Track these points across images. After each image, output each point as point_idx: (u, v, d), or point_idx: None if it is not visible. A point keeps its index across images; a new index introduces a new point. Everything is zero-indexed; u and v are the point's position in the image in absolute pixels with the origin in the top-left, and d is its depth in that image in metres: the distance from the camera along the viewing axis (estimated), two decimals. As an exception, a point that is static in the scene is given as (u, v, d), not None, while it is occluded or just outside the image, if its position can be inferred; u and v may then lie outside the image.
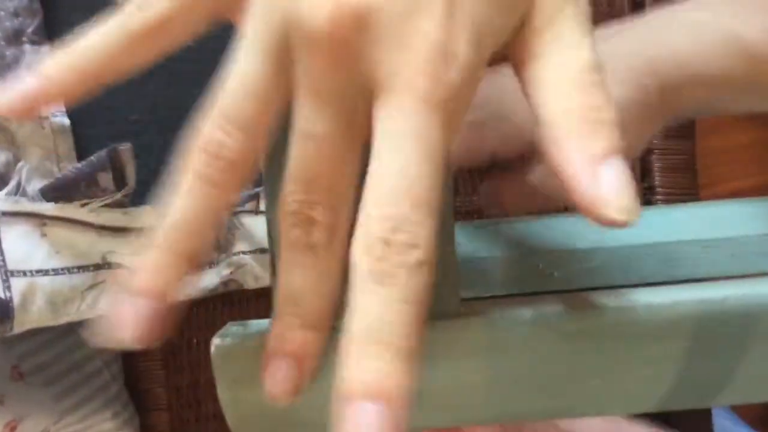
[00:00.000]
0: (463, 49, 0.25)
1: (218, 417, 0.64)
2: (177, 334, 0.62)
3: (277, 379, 0.28)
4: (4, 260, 0.47)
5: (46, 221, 0.48)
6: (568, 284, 0.52)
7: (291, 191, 0.27)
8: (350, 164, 0.26)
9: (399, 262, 0.24)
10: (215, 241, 0.29)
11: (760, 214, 0.49)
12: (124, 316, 0.27)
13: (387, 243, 0.24)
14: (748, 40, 0.42)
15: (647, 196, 0.64)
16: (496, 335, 0.30)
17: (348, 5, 0.25)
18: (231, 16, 0.29)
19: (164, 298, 0.27)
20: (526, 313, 0.31)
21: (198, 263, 0.27)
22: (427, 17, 0.25)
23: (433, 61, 0.25)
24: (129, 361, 0.63)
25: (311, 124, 0.26)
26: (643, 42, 0.45)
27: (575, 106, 0.26)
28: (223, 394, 0.31)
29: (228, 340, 0.30)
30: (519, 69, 0.28)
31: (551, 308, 0.31)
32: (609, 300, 0.31)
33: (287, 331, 0.28)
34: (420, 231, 0.25)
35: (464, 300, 0.32)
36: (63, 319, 0.50)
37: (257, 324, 0.32)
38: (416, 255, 0.25)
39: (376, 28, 0.25)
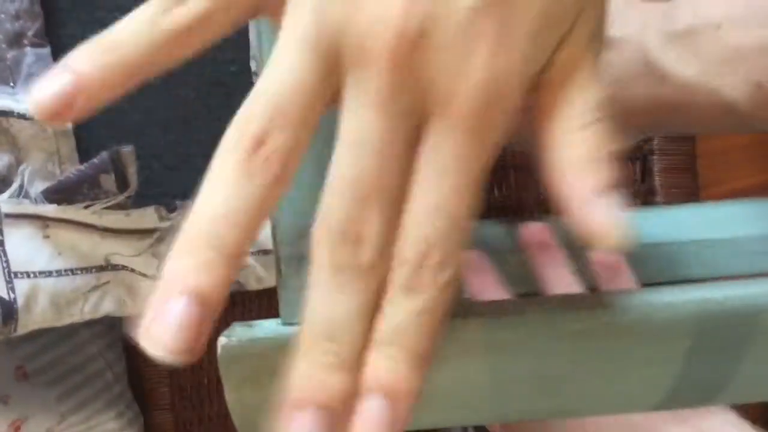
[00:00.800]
0: (514, 78, 0.26)
1: (222, 417, 0.64)
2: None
3: None
4: (7, 262, 0.47)
5: (49, 223, 0.48)
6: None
7: (339, 205, 0.26)
8: (401, 179, 0.26)
9: (431, 281, 0.25)
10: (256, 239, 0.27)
11: (760, 214, 0.50)
12: (171, 322, 0.24)
13: (422, 262, 0.25)
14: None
15: (648, 196, 0.64)
16: (497, 335, 0.31)
17: (414, 24, 0.25)
18: (270, 12, 0.29)
19: (214, 300, 0.24)
20: (526, 312, 0.31)
21: (242, 262, 0.25)
22: (483, 40, 0.25)
23: (486, 90, 0.25)
24: (132, 362, 0.64)
25: (367, 134, 0.26)
26: None
27: (579, 146, 0.27)
28: (230, 394, 0.31)
29: (234, 341, 0.31)
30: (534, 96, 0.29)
31: (552, 308, 0.31)
32: (609, 300, 0.31)
33: (321, 373, 0.25)
34: (453, 252, 0.25)
35: (465, 299, 0.32)
36: (66, 320, 0.50)
37: (263, 324, 0.32)
38: (448, 275, 0.25)
39: (435, 48, 0.25)
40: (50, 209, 0.48)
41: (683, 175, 0.64)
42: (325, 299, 0.25)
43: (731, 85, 0.42)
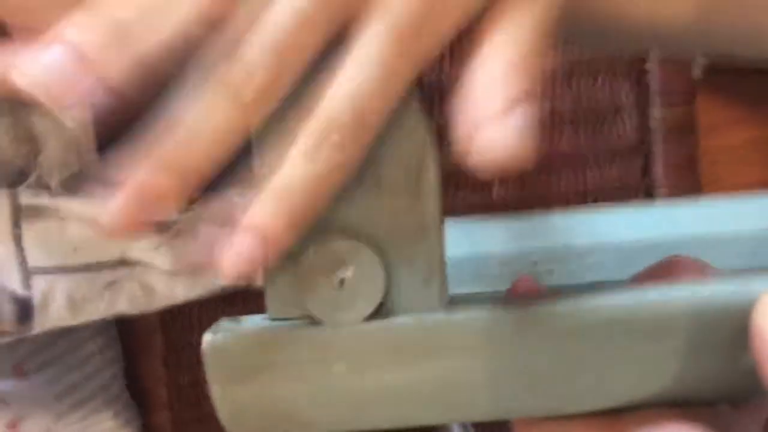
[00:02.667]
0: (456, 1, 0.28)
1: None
2: (177, 334, 0.62)
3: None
4: (24, 258, 0.46)
5: (67, 216, 0.47)
6: (566, 281, 0.52)
7: (249, 46, 0.28)
8: (313, 45, 0.28)
9: (327, 156, 0.28)
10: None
11: (761, 210, 0.49)
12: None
13: (324, 137, 0.28)
14: None
15: (648, 194, 0.64)
16: (486, 333, 0.31)
17: None
18: None
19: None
20: (519, 309, 0.31)
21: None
22: None
23: (427, 3, 0.28)
24: (130, 360, 0.64)
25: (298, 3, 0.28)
26: None
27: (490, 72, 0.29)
28: (215, 390, 0.31)
29: (220, 336, 0.31)
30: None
31: (542, 305, 0.31)
32: (600, 296, 0.31)
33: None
34: (354, 140, 0.28)
35: (459, 296, 0.32)
36: (82, 319, 0.49)
37: (249, 320, 0.32)
38: (343, 157, 0.28)
39: None
40: (68, 202, 0.47)
41: (684, 173, 0.64)
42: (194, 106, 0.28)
43: None
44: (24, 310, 0.45)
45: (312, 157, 0.28)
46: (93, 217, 0.48)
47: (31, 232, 0.45)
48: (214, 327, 0.31)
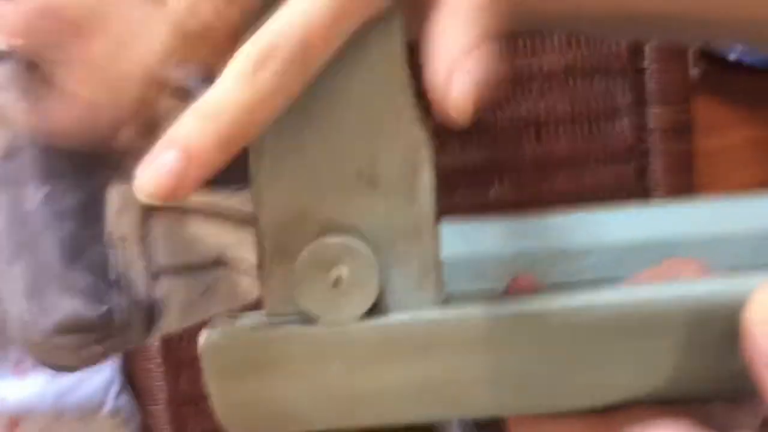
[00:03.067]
0: None
1: (217, 414, 0.64)
2: (176, 333, 0.62)
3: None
4: (150, 258, 0.43)
5: (186, 213, 0.45)
6: (561, 282, 0.53)
7: None
8: None
9: (264, 80, 0.28)
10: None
11: (758, 210, 0.50)
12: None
13: (262, 63, 0.27)
14: None
15: (644, 195, 0.64)
16: (480, 331, 0.31)
17: None
18: None
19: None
20: (514, 308, 0.31)
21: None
22: None
23: None
24: (129, 359, 0.64)
25: None
26: None
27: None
28: (212, 387, 0.31)
29: (216, 334, 0.31)
30: None
31: (534, 305, 0.31)
32: (594, 295, 0.31)
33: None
34: (292, 69, 0.28)
35: (456, 297, 0.32)
36: (185, 325, 0.46)
37: (246, 318, 0.32)
38: (279, 84, 0.28)
39: None
40: (197, 197, 0.44)
41: (680, 174, 0.64)
42: None
43: None
44: (149, 316, 0.42)
45: (247, 80, 0.27)
46: (220, 208, 0.45)
47: (155, 230, 0.43)
48: (210, 324, 0.32)
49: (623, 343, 0.31)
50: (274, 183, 0.31)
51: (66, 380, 0.58)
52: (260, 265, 0.31)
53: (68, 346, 0.36)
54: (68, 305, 0.36)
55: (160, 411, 0.64)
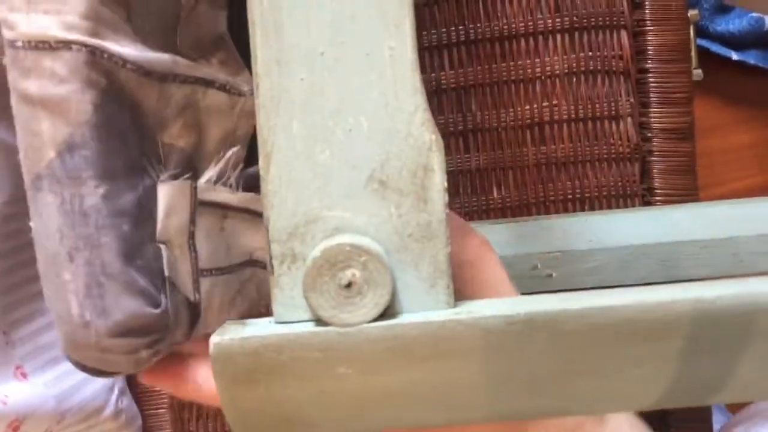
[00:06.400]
0: None
1: (220, 416, 0.64)
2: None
3: None
4: (196, 257, 0.42)
5: (228, 213, 0.44)
6: (565, 284, 0.53)
7: None
8: None
9: None
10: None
11: (759, 214, 0.50)
12: None
13: None
14: None
15: (647, 197, 0.64)
16: (489, 336, 0.31)
17: None
18: None
19: None
20: (520, 312, 0.31)
21: None
22: None
23: None
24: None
25: None
26: None
27: None
28: (223, 392, 0.31)
29: (227, 339, 0.31)
30: None
31: (546, 308, 0.31)
32: (603, 299, 0.31)
33: None
34: None
35: (460, 300, 0.32)
36: (221, 324, 0.44)
37: (256, 323, 0.32)
38: None
39: None
40: (239, 197, 0.44)
41: (683, 176, 0.64)
42: None
43: None
44: (194, 316, 0.41)
45: None
46: (256, 207, 0.44)
47: (200, 230, 0.41)
48: (220, 329, 0.32)
49: (633, 347, 0.31)
50: (285, 187, 0.30)
51: (68, 382, 0.58)
52: (270, 270, 0.31)
53: (122, 349, 0.35)
54: (128, 305, 0.35)
55: (162, 414, 0.64)
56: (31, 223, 0.37)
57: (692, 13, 0.67)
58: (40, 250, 0.37)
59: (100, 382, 0.60)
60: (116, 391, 0.61)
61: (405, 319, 0.31)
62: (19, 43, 0.35)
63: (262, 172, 0.31)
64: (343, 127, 0.30)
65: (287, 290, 0.31)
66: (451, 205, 0.59)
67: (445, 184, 0.31)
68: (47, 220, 0.36)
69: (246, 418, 0.32)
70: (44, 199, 0.36)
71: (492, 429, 0.38)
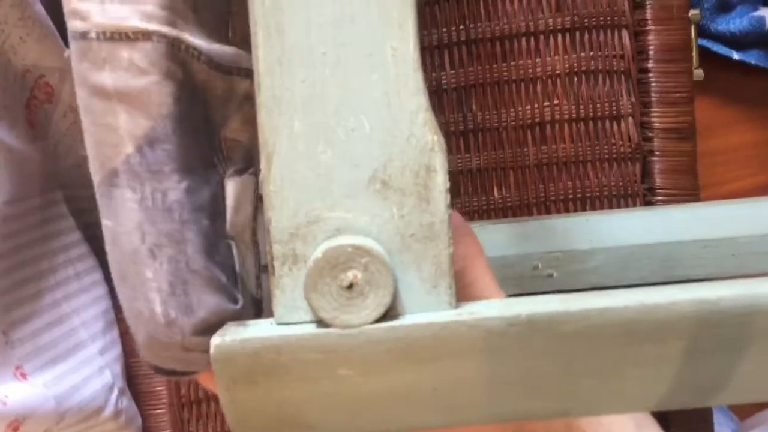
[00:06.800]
0: None
1: (219, 416, 0.64)
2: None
3: None
4: (258, 252, 0.41)
5: None
6: (566, 285, 0.53)
7: None
8: None
9: None
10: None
11: (760, 214, 0.49)
12: None
13: None
14: None
15: (648, 197, 0.64)
16: (491, 337, 0.31)
17: None
18: None
19: None
20: (521, 313, 0.31)
21: None
22: None
23: None
24: (131, 361, 0.64)
25: None
26: None
27: None
28: (223, 393, 0.31)
29: (227, 340, 0.31)
30: None
31: (547, 309, 0.31)
32: (604, 300, 0.31)
33: None
34: None
35: (461, 300, 0.32)
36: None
37: (256, 324, 0.32)
38: None
39: None
40: None
41: (683, 176, 0.64)
42: None
43: None
44: (258, 312, 0.40)
45: None
46: None
47: (260, 226, 0.41)
48: (221, 330, 0.31)
49: (635, 348, 0.31)
50: (287, 188, 0.30)
51: (67, 382, 0.58)
52: (270, 272, 0.31)
53: (203, 347, 0.33)
54: (211, 302, 0.34)
55: (162, 414, 0.64)
56: (105, 221, 0.35)
57: (693, 12, 0.66)
58: (114, 249, 0.35)
59: (100, 382, 0.60)
60: (116, 391, 0.61)
61: (406, 320, 0.31)
62: (92, 34, 0.33)
63: (263, 172, 0.30)
64: (345, 127, 0.30)
65: (288, 291, 0.31)
66: (452, 204, 0.59)
67: (448, 184, 0.31)
68: (124, 217, 0.34)
69: (246, 419, 0.31)
70: (121, 196, 0.34)
71: (491, 429, 0.38)
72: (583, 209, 0.64)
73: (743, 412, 0.79)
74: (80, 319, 0.61)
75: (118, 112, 0.33)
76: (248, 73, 0.37)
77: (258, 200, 0.39)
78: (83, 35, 0.33)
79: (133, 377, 0.64)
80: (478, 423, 0.33)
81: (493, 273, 0.39)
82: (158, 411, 0.64)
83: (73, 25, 0.33)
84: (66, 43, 0.62)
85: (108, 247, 0.35)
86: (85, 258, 0.64)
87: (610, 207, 0.64)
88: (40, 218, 0.60)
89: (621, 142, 0.64)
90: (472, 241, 0.41)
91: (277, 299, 0.31)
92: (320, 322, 0.31)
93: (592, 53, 0.64)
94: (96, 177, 0.35)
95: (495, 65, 0.64)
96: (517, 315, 0.31)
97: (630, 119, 0.64)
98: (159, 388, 0.64)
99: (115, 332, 0.63)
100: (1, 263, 0.55)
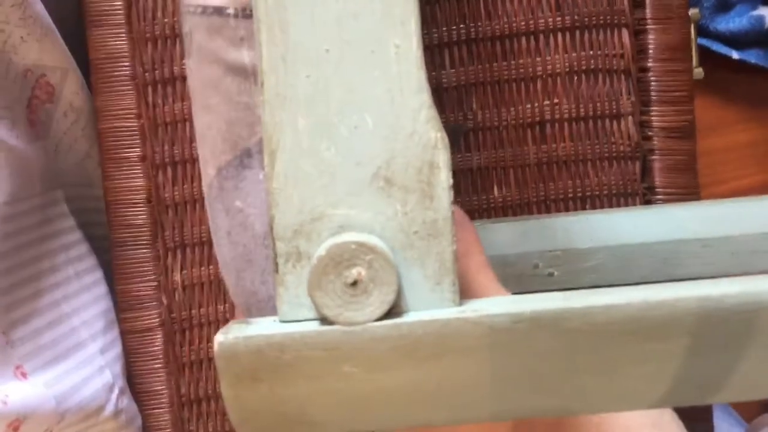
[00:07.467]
0: None
1: (220, 415, 0.64)
2: (178, 333, 0.62)
3: None
4: None
5: None
6: (566, 283, 0.53)
7: None
8: None
9: None
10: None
11: (760, 213, 0.50)
12: None
13: None
14: None
15: (648, 196, 0.64)
16: (494, 334, 0.31)
17: None
18: None
19: None
20: (524, 311, 0.31)
21: None
22: None
23: None
24: (131, 360, 0.64)
25: None
26: None
27: None
28: (226, 391, 0.31)
29: (231, 338, 0.31)
30: None
31: (551, 305, 0.31)
32: (608, 297, 0.31)
33: None
34: None
35: (463, 299, 0.32)
36: None
37: (260, 321, 0.32)
38: None
39: None
40: None
41: (683, 174, 0.64)
42: None
43: None
44: None
45: None
46: None
47: None
48: (224, 328, 0.31)
49: (638, 345, 0.31)
50: (290, 185, 0.30)
51: (68, 382, 0.58)
52: (275, 269, 0.31)
53: None
54: None
55: (162, 414, 0.64)
56: (236, 203, 0.34)
57: (693, 11, 0.67)
58: (241, 232, 0.34)
59: (100, 382, 0.60)
60: (116, 391, 0.61)
61: (410, 317, 0.31)
62: (230, 11, 0.32)
63: (266, 169, 0.30)
64: (348, 125, 0.30)
65: (292, 289, 0.31)
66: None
67: (451, 181, 0.31)
68: (257, 198, 0.33)
69: (250, 417, 0.31)
70: (254, 177, 0.33)
71: (491, 428, 0.38)
72: (583, 208, 0.64)
73: (749, 413, 0.79)
74: (80, 319, 0.61)
75: (257, 90, 0.32)
76: None
77: None
78: (219, 11, 0.32)
79: (133, 377, 0.64)
80: (482, 420, 0.33)
81: (491, 268, 0.39)
82: (158, 411, 0.64)
83: (207, 0, 0.32)
84: (66, 43, 0.62)
85: (234, 231, 0.34)
86: (86, 257, 0.64)
87: (610, 206, 0.64)
88: (41, 218, 0.60)
89: (621, 141, 0.64)
90: (471, 237, 0.41)
91: (280, 297, 0.31)
92: (324, 320, 0.31)
93: (592, 52, 0.64)
94: (223, 157, 0.33)
95: (495, 64, 0.64)
96: (521, 312, 0.31)
97: (630, 118, 0.64)
98: (159, 388, 0.64)
99: (115, 332, 0.63)
100: (1, 263, 0.55)
